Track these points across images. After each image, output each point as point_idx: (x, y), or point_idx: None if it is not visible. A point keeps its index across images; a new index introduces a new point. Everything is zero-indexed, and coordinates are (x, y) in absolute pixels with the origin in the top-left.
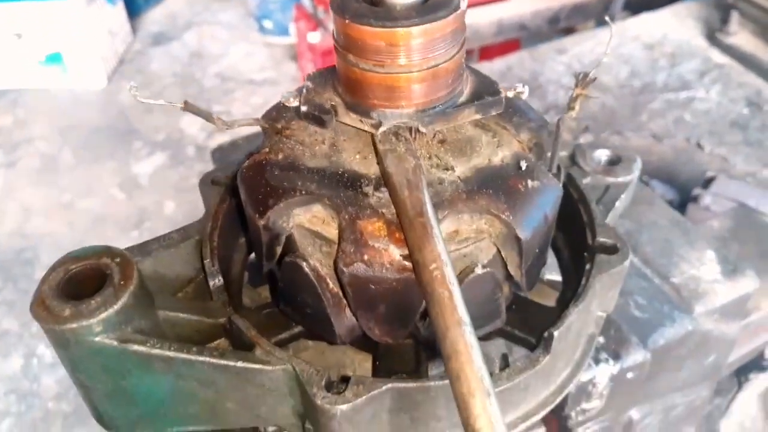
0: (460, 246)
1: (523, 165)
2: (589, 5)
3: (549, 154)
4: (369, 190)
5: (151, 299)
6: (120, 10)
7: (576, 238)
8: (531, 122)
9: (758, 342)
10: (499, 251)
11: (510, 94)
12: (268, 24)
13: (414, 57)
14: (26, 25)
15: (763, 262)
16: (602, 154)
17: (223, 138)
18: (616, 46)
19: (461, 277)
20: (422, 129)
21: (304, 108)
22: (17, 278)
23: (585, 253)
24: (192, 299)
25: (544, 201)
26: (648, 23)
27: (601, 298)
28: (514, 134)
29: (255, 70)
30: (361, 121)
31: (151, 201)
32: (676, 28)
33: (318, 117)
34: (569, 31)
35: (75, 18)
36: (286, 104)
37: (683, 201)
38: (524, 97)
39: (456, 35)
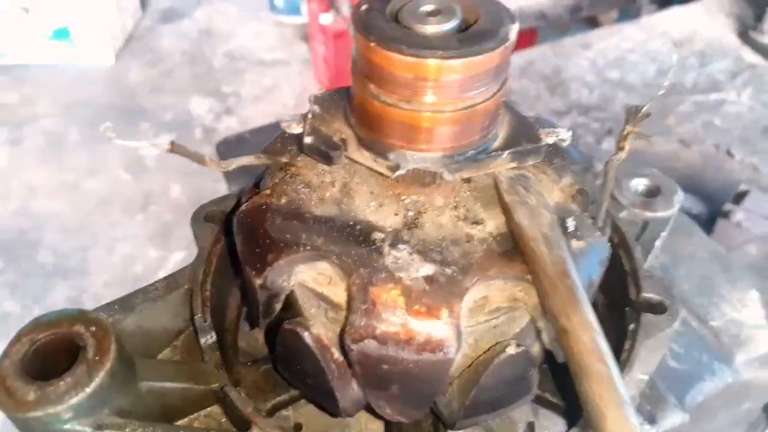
0: (489, 317)
1: (570, 225)
2: None
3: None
4: (385, 247)
5: (133, 371)
6: None
7: (614, 285)
8: (574, 164)
9: None
10: (533, 319)
11: (551, 140)
12: (279, 2)
13: (447, 95)
14: None
15: None
16: (639, 184)
17: (230, 121)
18: (643, 41)
19: (491, 356)
20: (447, 177)
21: (308, 140)
22: (20, 259)
23: (626, 308)
24: (181, 354)
25: (590, 265)
26: (677, 18)
27: (645, 361)
28: (555, 179)
29: (265, 50)
30: (375, 161)
31: (157, 183)
32: (706, 23)
33: (324, 152)
34: (590, 20)
35: None
36: (287, 130)
37: (712, 214)
38: (567, 143)
39: (500, 72)
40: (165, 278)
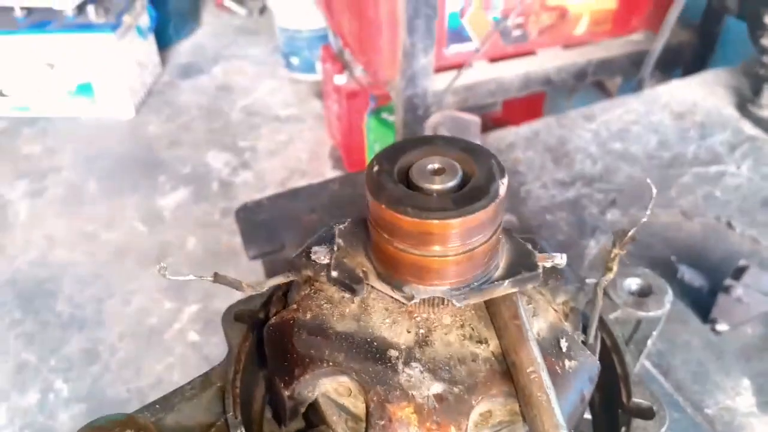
0: (493, 430)
1: (564, 345)
2: (616, 60)
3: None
4: (399, 365)
5: None
6: (150, 43)
7: (609, 387)
8: (568, 284)
9: None
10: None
11: (547, 265)
12: (294, 60)
13: (449, 244)
14: (59, 56)
15: None
16: (632, 283)
17: (247, 175)
18: (645, 113)
19: None
20: (456, 304)
21: (334, 273)
22: (38, 310)
23: (619, 410)
24: None
25: (581, 382)
26: (678, 90)
27: None
28: (550, 300)
29: (280, 106)
30: (392, 290)
31: (173, 236)
32: (705, 96)
33: (349, 285)
34: (598, 84)
35: (106, 50)
36: (317, 261)
37: (713, 288)
38: (562, 266)
39: (495, 219)
40: (200, 377)
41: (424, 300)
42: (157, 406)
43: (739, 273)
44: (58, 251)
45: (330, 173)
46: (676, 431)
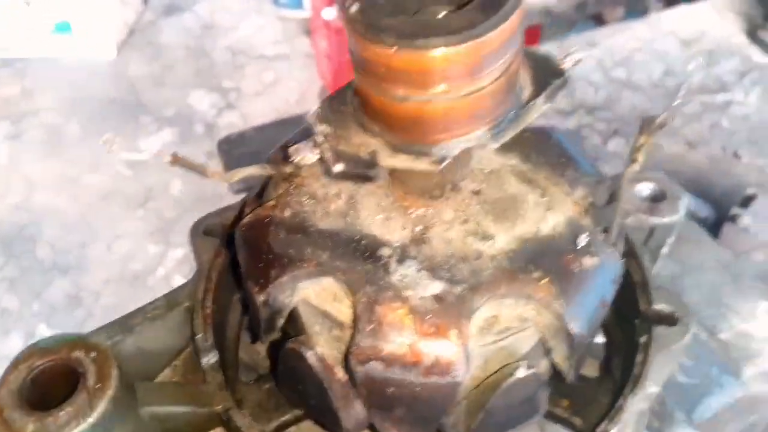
0: (499, 337)
1: (582, 241)
2: None
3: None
4: (392, 264)
5: (134, 397)
6: None
7: (624, 296)
8: (586, 177)
9: None
10: (543, 339)
11: (570, 65)
12: None
13: (491, 67)
14: None
15: None
16: (644, 188)
17: (232, 116)
18: (650, 40)
19: (500, 378)
20: (492, 146)
21: (338, 167)
22: (19, 255)
23: (637, 320)
24: (182, 374)
25: (603, 283)
26: (685, 17)
27: (657, 374)
28: (568, 192)
29: (267, 44)
30: (414, 161)
31: (158, 179)
32: (715, 23)
33: (363, 174)
34: (595, 17)
35: None
36: (302, 162)
37: (719, 218)
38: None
39: (522, 23)
40: (165, 296)
41: (422, 190)
42: (116, 328)
43: (747, 202)
44: (39, 195)
45: None
46: (690, 357)
